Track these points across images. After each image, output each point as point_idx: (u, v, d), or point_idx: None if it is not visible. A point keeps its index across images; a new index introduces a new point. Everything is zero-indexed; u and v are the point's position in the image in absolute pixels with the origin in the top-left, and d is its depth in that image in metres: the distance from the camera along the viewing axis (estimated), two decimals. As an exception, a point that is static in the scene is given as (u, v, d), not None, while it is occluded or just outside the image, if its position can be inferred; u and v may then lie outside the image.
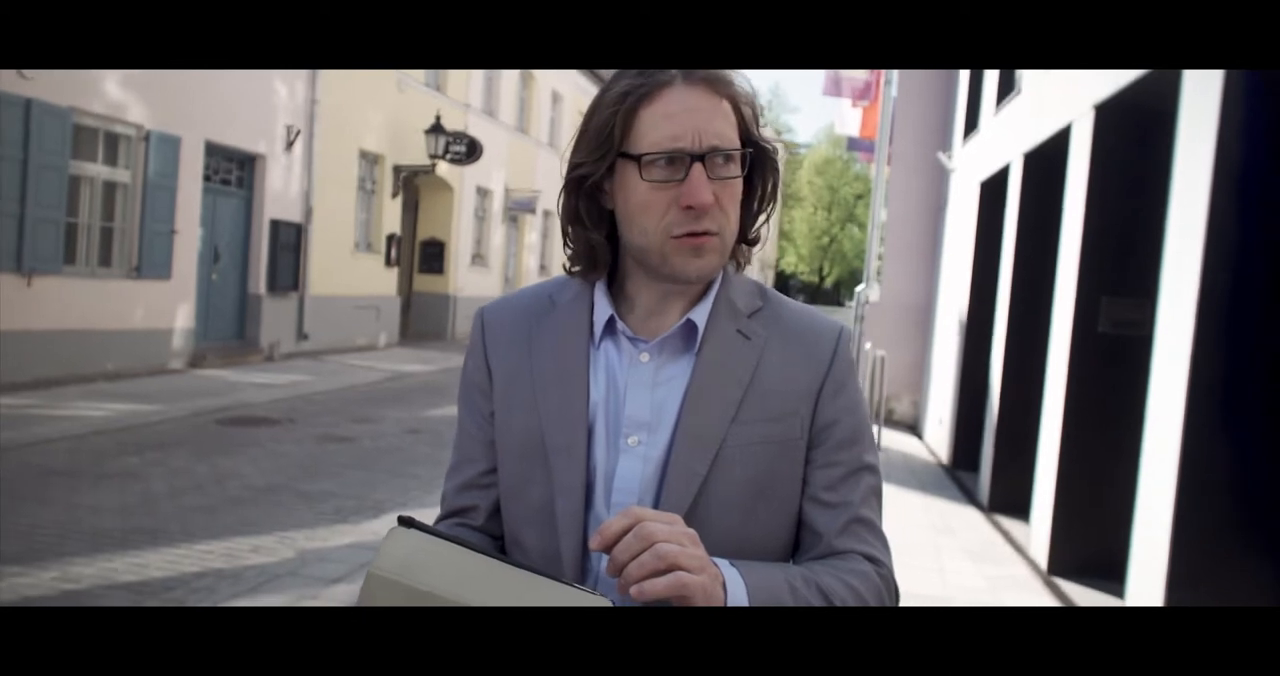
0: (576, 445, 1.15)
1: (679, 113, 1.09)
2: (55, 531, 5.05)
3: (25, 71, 8.99)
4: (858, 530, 1.17)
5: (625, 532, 0.96)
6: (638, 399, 1.16)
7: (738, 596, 1.01)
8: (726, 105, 1.12)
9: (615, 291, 1.22)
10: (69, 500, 5.65)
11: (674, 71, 1.11)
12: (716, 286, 1.20)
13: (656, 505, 1.12)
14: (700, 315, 1.18)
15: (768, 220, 1.24)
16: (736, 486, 1.13)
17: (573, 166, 1.17)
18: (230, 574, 4.62)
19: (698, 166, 1.08)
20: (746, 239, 1.22)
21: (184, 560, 4.77)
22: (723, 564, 1.02)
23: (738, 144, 1.12)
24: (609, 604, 0.95)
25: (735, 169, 1.12)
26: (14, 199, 9.06)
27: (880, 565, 1.16)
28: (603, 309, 1.19)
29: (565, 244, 1.23)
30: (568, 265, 1.25)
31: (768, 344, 1.19)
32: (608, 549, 0.96)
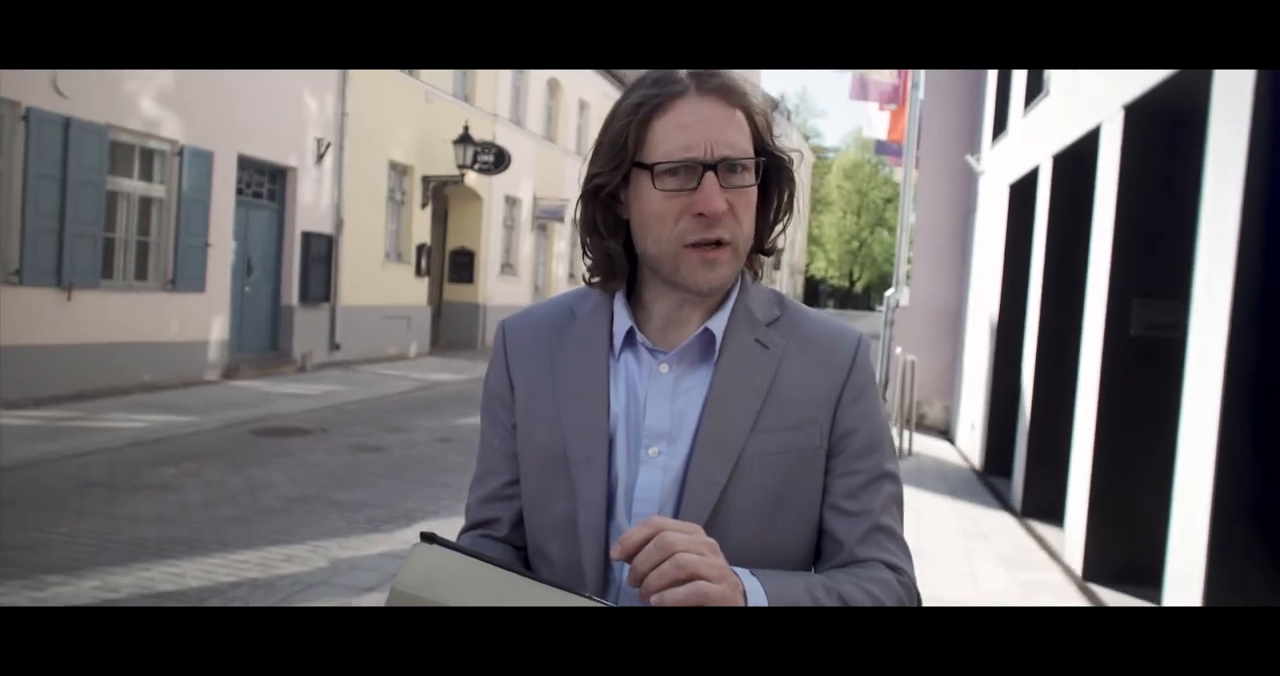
0: (598, 457, 1.16)
1: (692, 123, 1.10)
2: (94, 541, 5.13)
3: (63, 89, 9.17)
4: (879, 538, 1.17)
5: (646, 542, 0.96)
6: (658, 410, 1.17)
7: (758, 604, 1.01)
8: (740, 115, 1.13)
9: (633, 302, 1.23)
10: (107, 510, 5.75)
11: (688, 82, 1.12)
12: (734, 296, 1.21)
13: (676, 515, 1.13)
14: (718, 325, 1.18)
15: (784, 230, 1.25)
16: (756, 495, 1.14)
17: (589, 177, 1.18)
18: (264, 583, 4.67)
19: (710, 175, 1.09)
20: (763, 249, 1.23)
21: (219, 569, 4.84)
22: (743, 573, 1.03)
23: (751, 153, 1.13)
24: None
25: (749, 178, 1.13)
26: (53, 215, 9.24)
27: (901, 573, 1.16)
28: (622, 320, 1.20)
29: (584, 254, 1.24)
30: (587, 276, 1.27)
31: (786, 353, 1.19)
32: (629, 558, 0.97)
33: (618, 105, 1.16)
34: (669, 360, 1.18)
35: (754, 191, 1.14)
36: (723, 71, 1.15)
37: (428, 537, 0.99)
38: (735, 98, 1.13)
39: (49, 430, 7.92)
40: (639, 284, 1.23)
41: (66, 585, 4.45)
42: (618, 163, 1.14)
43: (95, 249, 9.79)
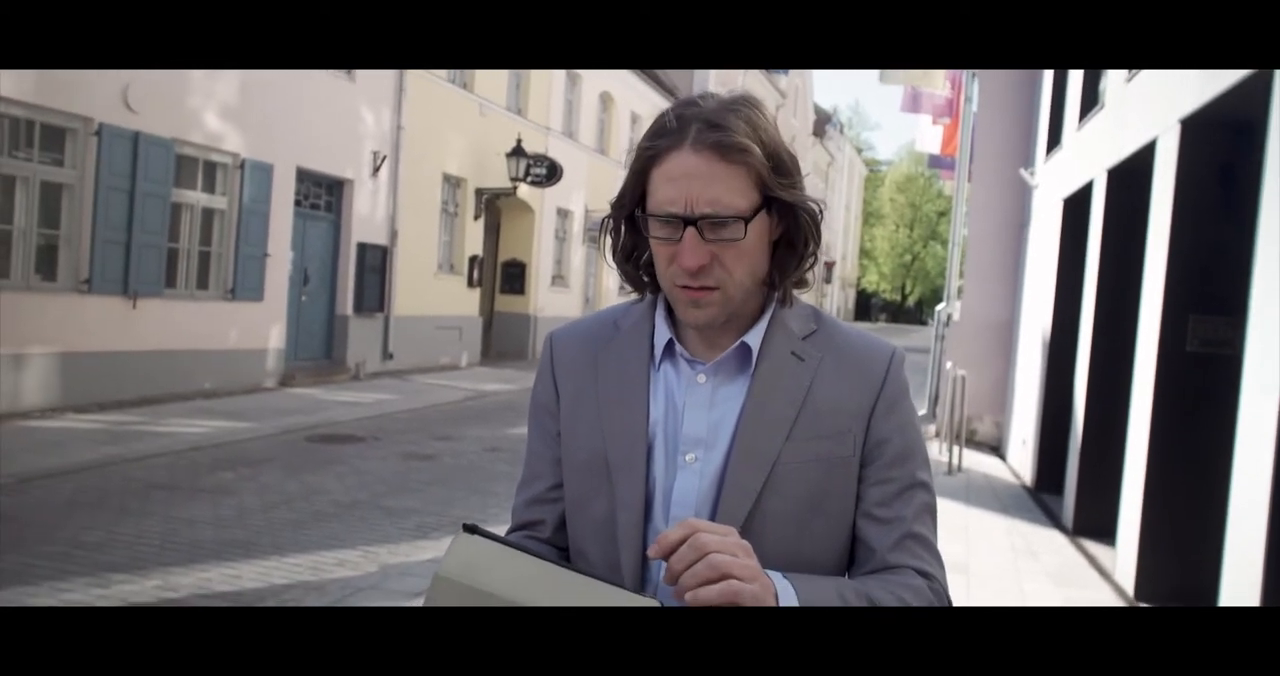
0: (637, 462, 1.21)
1: (679, 178, 1.14)
2: (156, 542, 5.30)
3: (133, 104, 9.49)
4: (911, 545, 1.20)
5: (681, 543, 1.00)
6: (695, 418, 1.22)
7: (789, 605, 1.05)
8: (737, 170, 1.13)
9: (673, 314, 1.28)
10: (168, 513, 5.92)
11: (684, 135, 1.14)
12: (770, 311, 1.25)
13: (712, 520, 1.17)
14: (754, 338, 1.23)
15: (812, 267, 1.27)
16: (790, 502, 1.18)
17: (612, 207, 1.26)
18: (316, 586, 4.78)
19: (690, 230, 1.13)
20: (786, 281, 1.24)
21: (274, 572, 4.96)
22: (775, 575, 1.06)
23: (741, 210, 1.14)
24: (658, 603, 1.00)
25: (736, 232, 1.14)
26: (121, 226, 9.55)
27: (933, 579, 1.19)
28: (663, 333, 1.26)
29: (622, 280, 1.32)
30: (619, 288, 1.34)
31: (821, 365, 1.23)
32: (665, 557, 1.01)
33: (641, 139, 1.21)
34: (707, 371, 1.23)
35: (748, 241, 1.15)
36: (730, 116, 1.15)
37: (469, 528, 1.04)
38: (731, 154, 1.13)
39: (114, 434, 8.17)
40: None
41: (130, 583, 4.60)
42: (623, 204, 1.22)
43: (160, 258, 10.10)
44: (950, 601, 1.22)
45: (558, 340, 1.36)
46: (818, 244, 1.25)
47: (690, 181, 1.13)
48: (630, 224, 1.26)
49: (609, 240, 1.28)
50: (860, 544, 1.22)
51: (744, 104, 1.17)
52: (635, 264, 1.27)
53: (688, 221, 1.13)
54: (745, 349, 1.23)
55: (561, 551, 1.32)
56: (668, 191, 1.14)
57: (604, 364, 1.28)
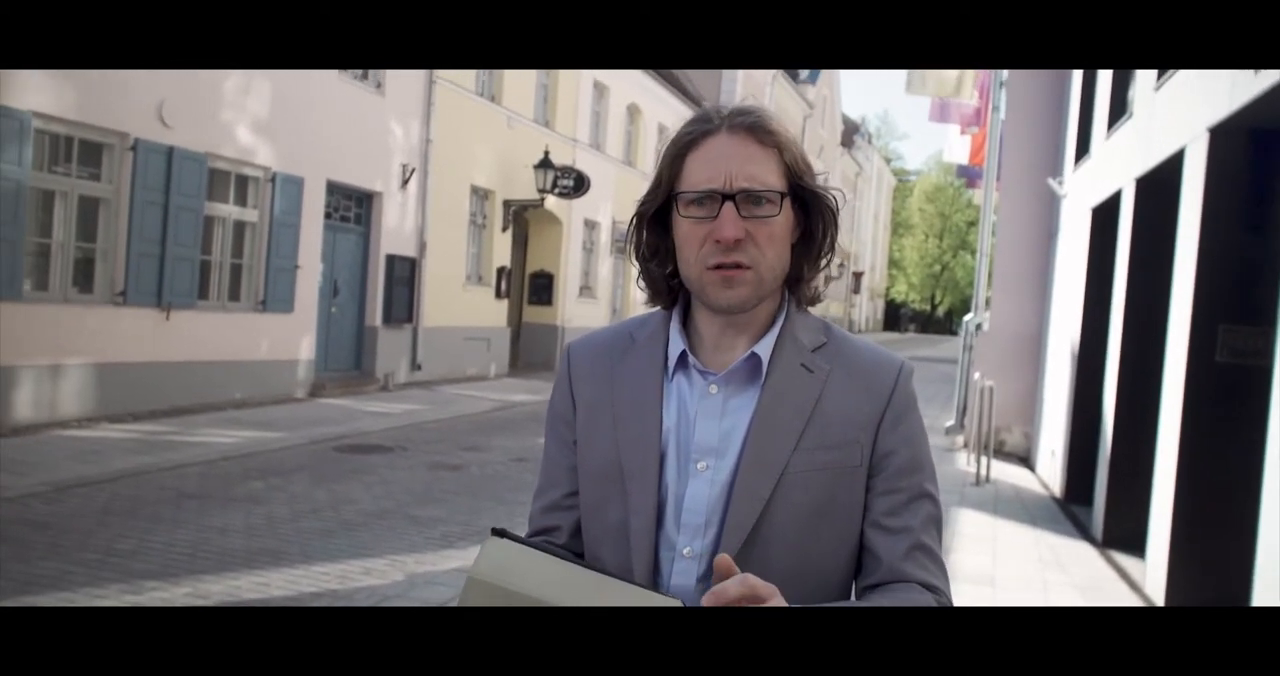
0: (649, 469, 1.24)
1: (716, 158, 1.20)
2: (188, 550, 5.38)
3: (167, 120, 9.67)
4: (919, 557, 1.23)
5: (740, 599, 1.00)
6: (707, 427, 1.25)
7: None
8: (770, 152, 1.21)
9: (687, 327, 1.31)
10: (200, 521, 6.01)
11: (720, 120, 1.22)
12: (780, 322, 1.28)
13: (722, 526, 1.21)
14: (764, 349, 1.26)
15: (829, 264, 1.31)
16: (798, 510, 1.21)
17: (639, 204, 1.30)
18: (344, 595, 4.84)
19: (728, 205, 1.18)
20: (803, 278, 1.29)
21: (302, 580, 5.02)
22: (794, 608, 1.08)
23: (775, 187, 1.20)
24: (679, 602, 1.03)
25: (771, 210, 1.20)
26: (155, 239, 9.72)
27: (940, 593, 1.22)
28: (676, 344, 1.29)
29: (638, 279, 1.35)
30: (645, 299, 1.36)
31: (830, 376, 1.26)
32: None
33: (670, 140, 1.27)
34: (718, 381, 1.26)
35: (778, 222, 1.21)
36: (760, 110, 1.24)
37: (498, 532, 1.07)
38: (765, 135, 1.21)
39: (147, 443, 8.30)
40: (691, 309, 1.32)
41: (162, 590, 4.68)
42: (656, 192, 1.26)
43: (193, 271, 10.26)
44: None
45: (575, 351, 1.39)
46: (834, 241, 1.29)
47: (728, 160, 1.19)
48: (655, 225, 1.29)
49: (634, 238, 1.32)
50: (867, 553, 1.25)
51: (769, 111, 1.25)
52: (659, 265, 1.31)
53: (726, 196, 1.18)
54: (755, 359, 1.26)
55: (577, 557, 1.34)
56: (705, 171, 1.20)
57: (620, 374, 1.31)
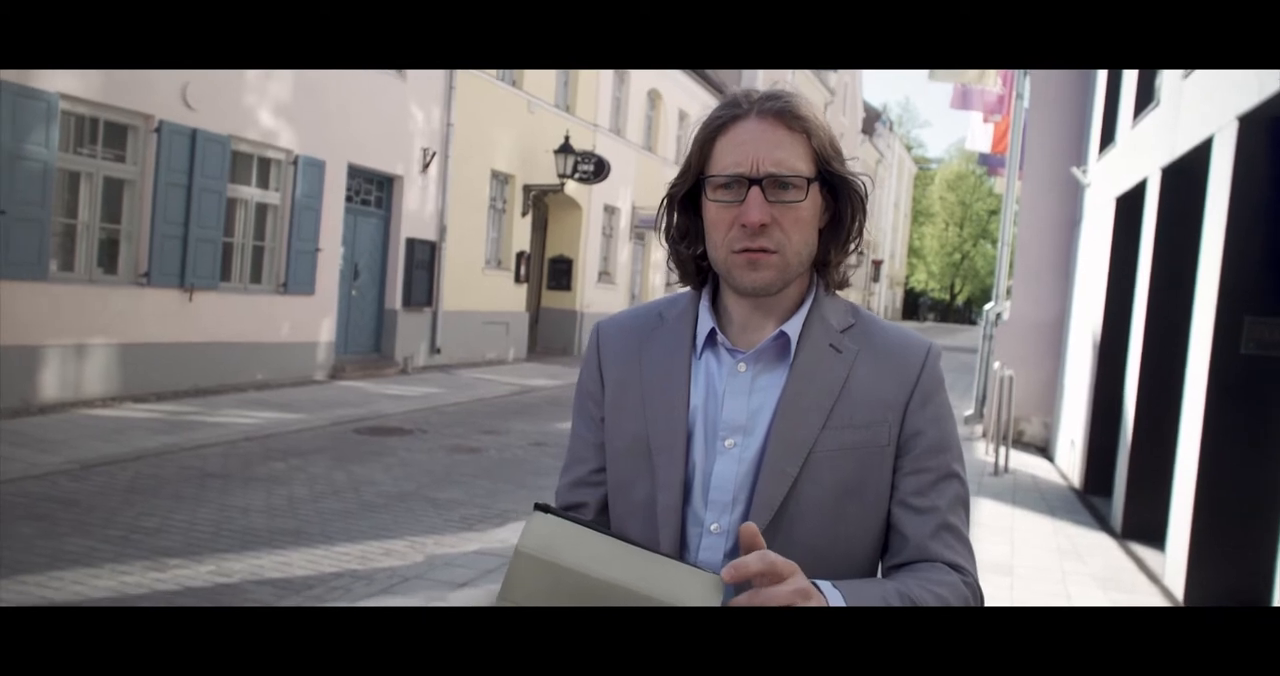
0: (677, 446, 1.26)
1: (745, 142, 1.21)
2: (210, 529, 5.44)
3: (191, 102, 9.72)
4: (946, 537, 1.24)
5: (758, 573, 1.02)
6: (734, 405, 1.26)
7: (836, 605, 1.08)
8: (798, 137, 1.22)
9: (716, 306, 1.33)
10: (222, 501, 6.08)
11: (750, 105, 1.23)
12: (809, 304, 1.29)
13: (750, 503, 1.23)
14: (793, 328, 1.27)
15: (858, 249, 1.32)
16: (824, 488, 1.22)
17: (670, 187, 1.31)
18: (364, 575, 4.89)
19: (755, 189, 1.19)
20: (829, 262, 1.30)
21: (323, 560, 5.08)
22: (824, 585, 1.09)
23: (802, 172, 1.21)
24: (719, 577, 1.04)
25: (798, 195, 1.21)
26: (179, 221, 9.79)
27: (966, 573, 1.23)
28: (705, 323, 1.31)
29: (668, 260, 1.37)
30: (667, 282, 1.38)
31: (859, 357, 1.27)
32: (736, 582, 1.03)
33: (699, 124, 1.28)
34: (746, 359, 1.27)
35: (805, 206, 1.22)
36: (789, 95, 1.24)
37: (542, 507, 1.09)
38: (793, 121, 1.22)
39: (170, 423, 8.39)
40: (720, 291, 1.33)
41: (185, 568, 4.74)
42: (686, 175, 1.27)
43: (215, 252, 10.33)
44: (980, 591, 1.25)
45: (604, 330, 1.41)
46: (863, 226, 1.30)
47: (756, 145, 1.20)
48: (686, 208, 1.31)
49: (664, 220, 1.34)
50: (895, 532, 1.26)
51: (800, 97, 1.26)
52: (689, 247, 1.32)
53: (753, 181, 1.19)
54: (784, 338, 1.27)
55: None
56: (733, 155, 1.21)
57: (648, 352, 1.33)
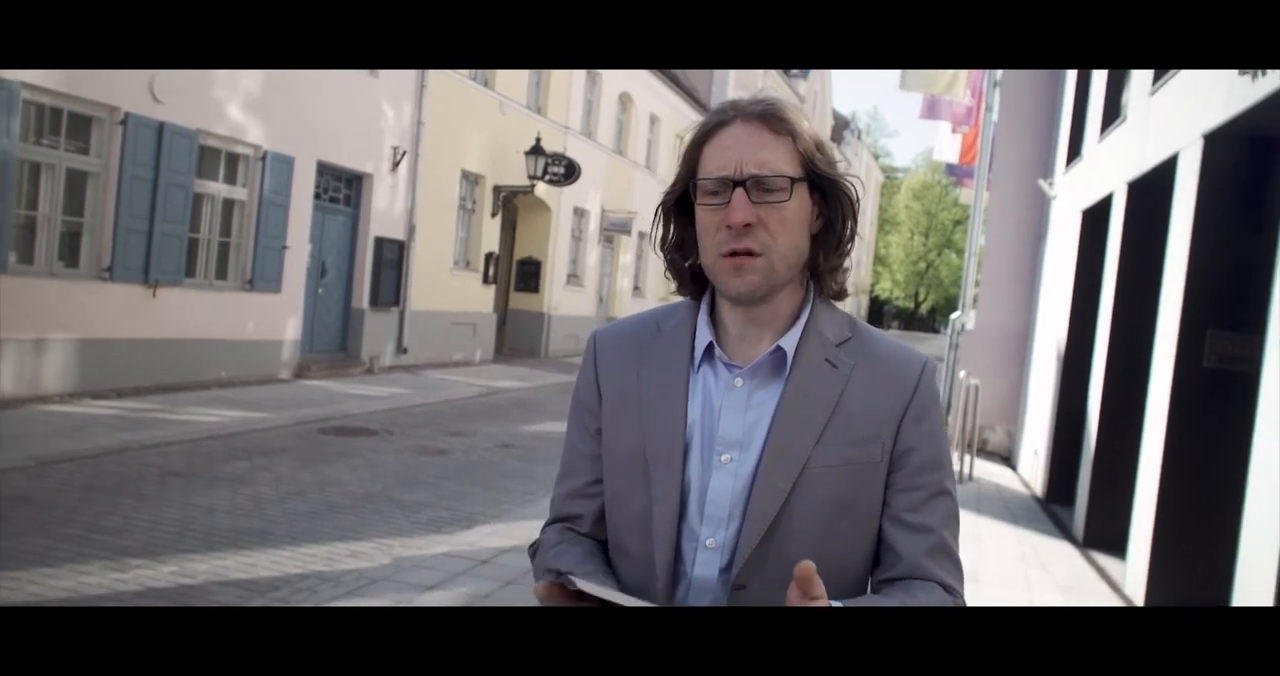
0: (673, 459, 1.26)
1: (729, 146, 1.22)
2: (173, 529, 5.35)
3: (159, 95, 9.57)
4: (939, 556, 1.25)
5: None
6: (731, 421, 1.26)
7: None
8: (783, 140, 1.23)
9: (714, 318, 1.32)
10: (186, 499, 5.98)
11: (736, 111, 1.24)
12: (805, 317, 1.29)
13: (744, 518, 1.22)
14: (789, 343, 1.27)
15: (847, 255, 1.32)
16: (818, 503, 1.22)
17: (663, 196, 1.32)
18: (331, 577, 4.83)
19: (739, 191, 1.20)
20: (821, 268, 1.30)
21: (289, 561, 5.01)
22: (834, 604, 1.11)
23: (785, 172, 1.21)
24: None
25: (782, 196, 1.21)
26: (144, 215, 9.63)
27: (957, 595, 1.25)
28: (704, 336, 1.30)
29: (665, 272, 1.37)
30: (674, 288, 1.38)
31: (854, 372, 1.27)
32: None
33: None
34: (743, 375, 1.27)
35: (790, 207, 1.22)
36: (775, 100, 1.26)
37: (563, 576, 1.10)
38: (778, 123, 1.23)
39: (131, 420, 8.25)
40: (716, 300, 1.33)
41: (147, 568, 4.65)
42: (677, 183, 1.29)
43: (180, 248, 10.18)
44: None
45: (601, 340, 1.40)
46: (854, 230, 1.30)
47: (740, 148, 1.21)
48: (679, 216, 1.31)
49: (659, 230, 1.34)
50: (886, 547, 1.26)
51: (786, 103, 1.27)
52: (684, 256, 1.33)
53: (737, 182, 1.20)
54: (780, 353, 1.27)
55: (600, 544, 1.36)
56: (718, 159, 1.22)
57: (646, 364, 1.32)
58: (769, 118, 1.22)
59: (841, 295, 1.33)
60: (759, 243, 1.21)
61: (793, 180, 1.21)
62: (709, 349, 1.29)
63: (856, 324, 1.33)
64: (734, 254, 1.21)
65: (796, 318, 1.29)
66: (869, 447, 1.24)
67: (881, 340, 1.33)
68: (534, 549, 1.40)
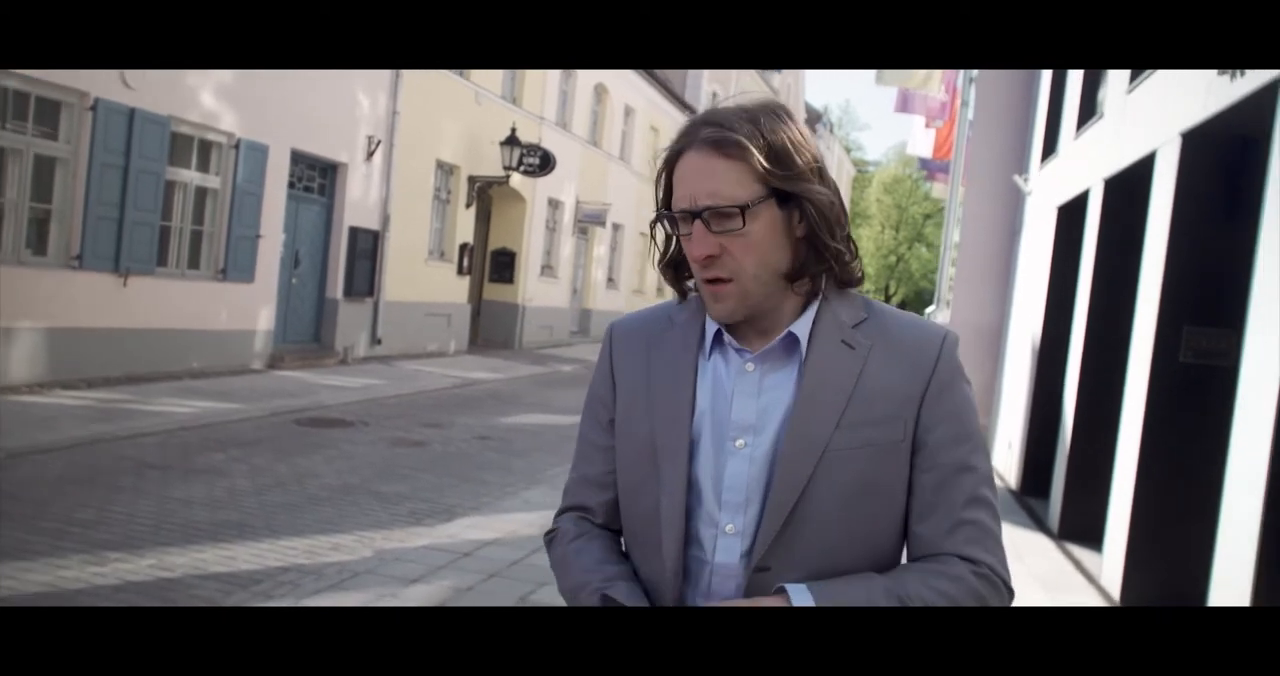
0: (680, 447, 1.26)
1: (687, 176, 1.23)
2: (151, 522, 5.28)
3: (130, 81, 9.40)
4: (960, 531, 1.23)
5: None
6: (744, 405, 1.26)
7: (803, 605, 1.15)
8: (734, 164, 1.20)
9: None
10: (162, 492, 5.90)
11: (690, 137, 1.23)
12: (818, 302, 1.29)
13: (765, 503, 1.22)
14: (802, 328, 1.27)
15: (844, 245, 1.28)
16: (839, 486, 1.22)
17: (653, 219, 1.32)
18: (312, 570, 4.78)
19: (697, 223, 1.21)
20: (818, 268, 1.27)
21: (269, 554, 4.96)
22: (798, 588, 1.15)
23: (739, 199, 1.19)
24: None
25: (736, 223, 1.20)
26: (114, 203, 9.47)
27: (979, 564, 1.22)
28: (713, 323, 1.30)
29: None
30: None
31: (872, 352, 1.26)
32: None
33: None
34: (754, 360, 1.27)
35: (751, 232, 1.21)
36: (727, 118, 1.22)
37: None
38: (729, 148, 1.20)
39: (103, 411, 8.12)
40: None
41: (125, 562, 4.59)
42: (658, 207, 1.30)
43: (152, 236, 10.03)
44: (998, 578, 1.23)
45: (616, 332, 1.41)
46: (841, 234, 1.27)
47: (694, 178, 1.21)
48: (669, 236, 1.33)
49: (655, 251, 1.37)
50: (910, 528, 1.26)
51: (761, 109, 1.23)
52: (677, 276, 1.35)
53: (694, 215, 1.20)
54: (792, 338, 1.26)
55: (614, 534, 1.38)
56: (679, 190, 1.23)
57: (656, 355, 1.33)
58: (719, 143, 1.20)
59: (852, 282, 1.31)
60: (726, 269, 1.22)
61: (745, 207, 1.19)
62: (718, 335, 1.29)
63: (872, 304, 1.33)
64: (707, 281, 1.23)
65: (806, 306, 1.29)
66: (890, 427, 1.24)
67: (899, 318, 1.32)
68: (550, 536, 1.41)
